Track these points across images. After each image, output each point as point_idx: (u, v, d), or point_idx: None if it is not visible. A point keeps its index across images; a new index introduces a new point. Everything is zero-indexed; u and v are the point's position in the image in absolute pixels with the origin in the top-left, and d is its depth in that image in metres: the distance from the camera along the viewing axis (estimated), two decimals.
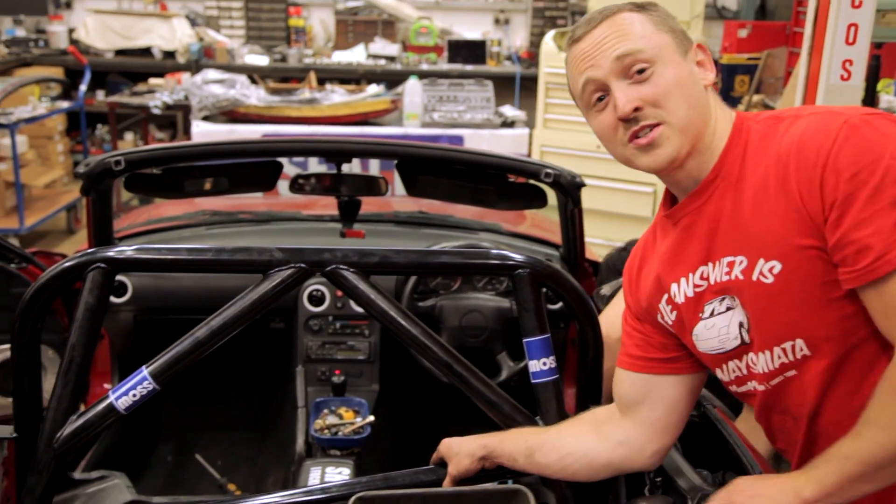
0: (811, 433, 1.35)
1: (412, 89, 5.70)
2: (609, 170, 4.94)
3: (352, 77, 7.12)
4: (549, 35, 5.20)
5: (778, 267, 1.24)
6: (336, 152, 2.39)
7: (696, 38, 5.07)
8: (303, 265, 1.51)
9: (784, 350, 1.30)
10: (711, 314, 1.35)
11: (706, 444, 1.69)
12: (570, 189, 2.39)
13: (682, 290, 1.38)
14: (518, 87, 7.19)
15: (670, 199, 1.42)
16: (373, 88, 6.03)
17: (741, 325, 1.33)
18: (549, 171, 2.36)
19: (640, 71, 1.27)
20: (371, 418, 2.31)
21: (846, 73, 3.05)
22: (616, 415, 1.52)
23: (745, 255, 1.28)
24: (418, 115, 5.69)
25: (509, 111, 6.07)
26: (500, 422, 1.60)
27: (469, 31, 7.86)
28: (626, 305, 1.53)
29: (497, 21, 8.08)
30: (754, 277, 1.28)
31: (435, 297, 2.58)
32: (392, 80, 6.78)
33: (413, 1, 7.94)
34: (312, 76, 6.41)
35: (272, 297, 1.51)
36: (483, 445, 1.56)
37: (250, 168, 2.43)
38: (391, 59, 7.34)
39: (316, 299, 2.63)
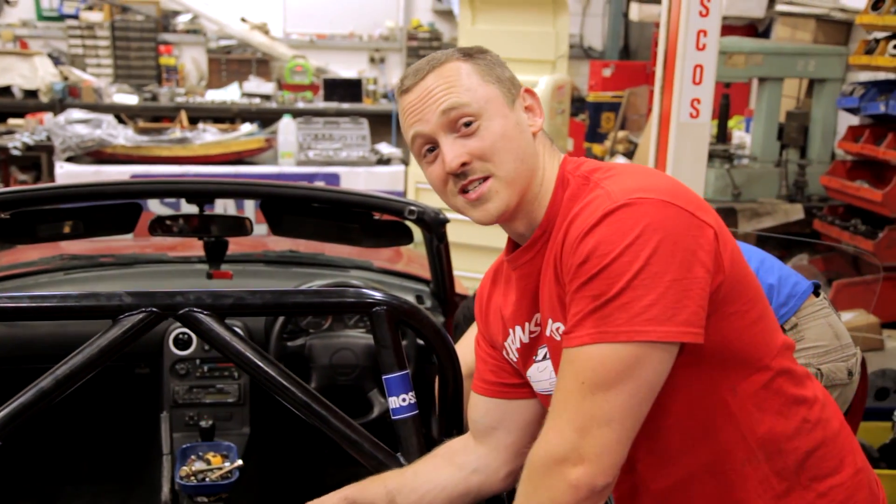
0: (629, 467, 1.37)
1: (286, 128, 5.68)
2: None
3: (226, 116, 7.03)
4: None
5: (562, 326, 1.29)
6: (195, 193, 2.35)
7: (563, 76, 5.28)
8: (154, 309, 1.48)
9: None
10: (544, 357, 1.39)
11: None
12: (434, 225, 2.42)
13: (517, 336, 1.42)
14: (394, 124, 7.27)
15: (512, 242, 1.43)
16: (246, 127, 5.98)
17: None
18: (412, 208, 2.40)
19: (468, 124, 1.28)
20: (239, 462, 2.26)
21: (695, 111, 3.24)
22: (470, 443, 1.55)
23: (542, 312, 1.35)
24: (293, 153, 5.67)
25: (385, 148, 6.13)
26: (362, 460, 1.60)
27: (345, 69, 7.91)
28: (479, 332, 1.56)
29: (372, 60, 8.17)
30: (548, 333, 1.34)
31: (305, 337, 2.56)
32: (267, 118, 6.73)
33: (287, 40, 7.93)
34: (183, 115, 6.30)
35: (122, 344, 1.47)
36: (344, 497, 1.55)
37: (107, 211, 2.36)
38: (266, 97, 7.30)
39: (182, 343, 2.57)
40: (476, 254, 4.93)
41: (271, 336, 2.48)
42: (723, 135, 4.69)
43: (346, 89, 7.42)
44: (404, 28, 8.07)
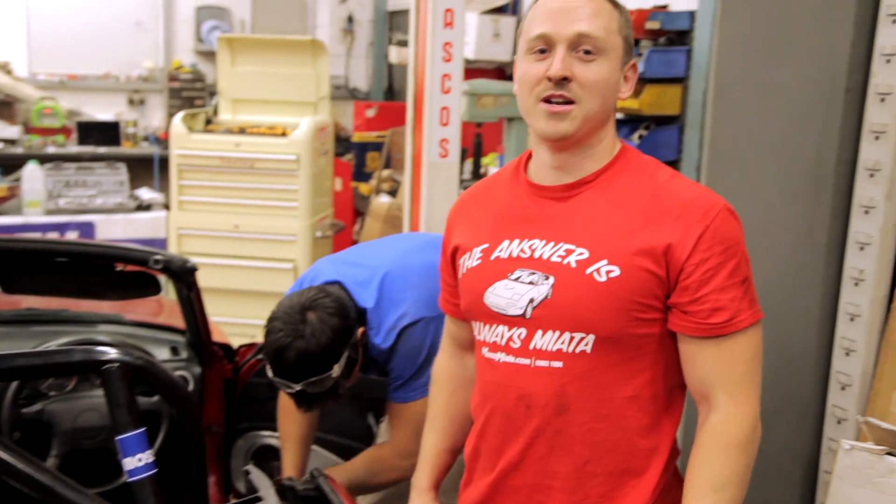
0: (545, 426, 1.47)
1: (31, 175, 5.30)
2: (248, 248, 4.97)
3: None
4: (178, 117, 5.14)
5: (616, 272, 1.41)
6: None
7: (325, 118, 5.32)
8: None
9: (571, 338, 1.43)
10: (517, 279, 1.47)
11: None
12: (181, 274, 2.36)
13: (510, 248, 1.50)
14: (156, 168, 7.00)
15: (525, 168, 1.56)
16: None
17: (531, 300, 1.45)
18: (157, 257, 2.32)
19: (587, 52, 1.41)
20: None
21: (444, 151, 3.39)
22: (465, 359, 1.75)
23: (590, 250, 1.43)
24: (41, 202, 5.30)
25: (146, 194, 5.88)
26: None
27: (101, 111, 7.52)
28: (447, 250, 1.66)
29: (132, 101, 7.84)
30: (588, 271, 1.42)
31: (44, 401, 2.38)
32: (12, 164, 6.22)
33: (34, 80, 7.43)
34: None
35: None
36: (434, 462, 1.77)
37: None
38: (11, 142, 6.77)
39: None
40: (234, 298, 4.84)
41: (3, 403, 2.29)
42: (477, 171, 4.93)
43: (102, 132, 7.04)
44: (165, 69, 7.81)
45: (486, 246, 1.53)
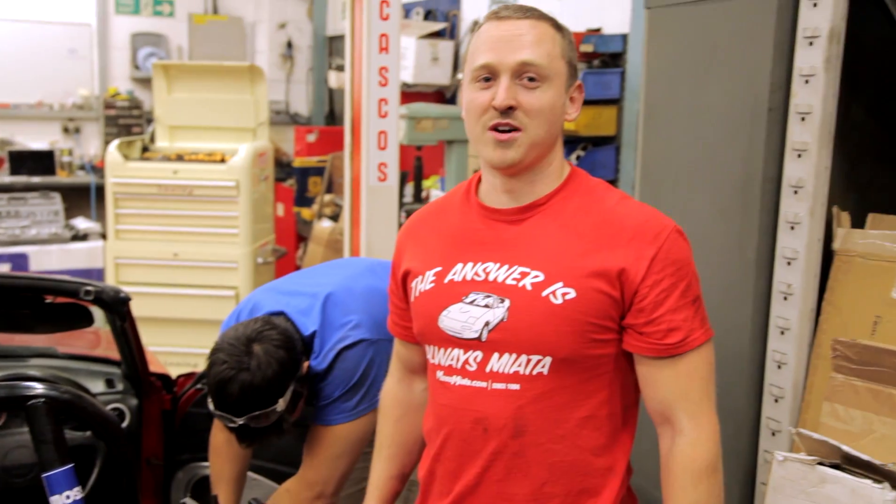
0: (503, 448, 1.45)
1: None
2: (188, 276, 4.90)
3: None
4: (114, 145, 5.06)
5: (572, 294, 1.41)
6: None
7: (264, 143, 5.30)
8: None
9: (528, 360, 1.42)
10: (472, 303, 1.46)
11: None
12: (114, 305, 2.31)
13: (464, 271, 1.48)
14: (93, 197, 6.87)
15: (476, 190, 1.55)
16: None
17: (487, 324, 1.43)
18: (88, 288, 2.27)
19: (531, 79, 1.42)
20: None
21: (382, 175, 3.39)
22: (414, 383, 1.72)
23: (545, 273, 1.42)
24: None
25: (82, 223, 5.78)
26: None
27: (34, 140, 7.36)
28: (396, 275, 1.64)
29: (66, 130, 7.69)
30: (544, 294, 1.41)
31: None
32: None
33: None
34: None
35: None
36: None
37: None
38: None
39: None
40: (175, 327, 4.75)
41: None
42: (418, 194, 4.95)
43: (36, 162, 6.91)
44: (101, 96, 7.69)
45: (439, 269, 1.52)
